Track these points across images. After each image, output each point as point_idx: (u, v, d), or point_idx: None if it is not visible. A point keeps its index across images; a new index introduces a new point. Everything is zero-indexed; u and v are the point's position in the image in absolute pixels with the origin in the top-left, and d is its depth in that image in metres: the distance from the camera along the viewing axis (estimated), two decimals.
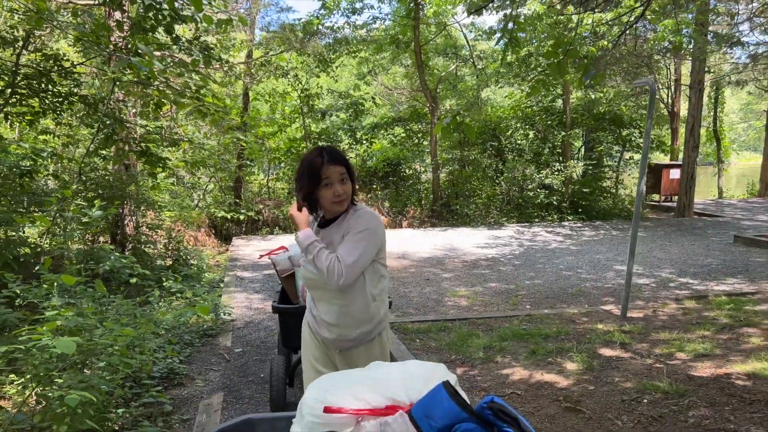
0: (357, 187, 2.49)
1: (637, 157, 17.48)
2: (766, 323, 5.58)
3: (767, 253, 9.42)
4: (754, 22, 15.45)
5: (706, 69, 15.02)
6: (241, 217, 13.16)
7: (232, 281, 8.21)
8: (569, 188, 15.05)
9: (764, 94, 20.46)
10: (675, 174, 16.06)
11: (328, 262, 2.28)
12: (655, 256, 9.40)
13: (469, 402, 1.47)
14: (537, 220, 14.13)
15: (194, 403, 4.06)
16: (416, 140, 16.57)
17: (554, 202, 14.64)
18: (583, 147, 17.58)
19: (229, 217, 13.04)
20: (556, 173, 15.05)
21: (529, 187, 14.96)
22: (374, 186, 15.54)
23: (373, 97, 17.59)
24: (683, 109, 18.74)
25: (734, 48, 14.62)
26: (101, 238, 8.81)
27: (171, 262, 9.22)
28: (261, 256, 4.35)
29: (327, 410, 1.50)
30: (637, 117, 16.52)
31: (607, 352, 4.89)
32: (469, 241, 11.27)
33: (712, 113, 22.63)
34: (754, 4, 14.51)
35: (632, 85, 8.48)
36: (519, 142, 16.18)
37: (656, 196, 16.89)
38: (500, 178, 15.54)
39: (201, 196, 14.38)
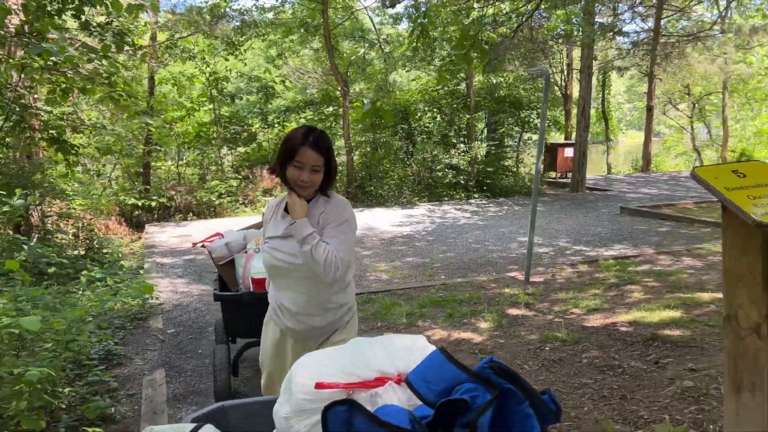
0: (328, 179, 2.37)
1: (536, 137, 18.67)
2: (646, 281, 6.43)
3: (648, 222, 10.58)
4: (635, 12, 16.89)
5: (594, 55, 16.29)
6: (153, 203, 12.94)
7: (153, 267, 8.21)
8: (475, 168, 15.91)
9: (645, 77, 22.33)
10: (569, 152, 17.30)
11: (326, 254, 2.25)
12: (553, 227, 10.29)
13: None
14: (446, 198, 14.86)
15: (137, 379, 4.23)
16: (329, 123, 16.82)
17: (461, 182, 15.45)
18: (486, 129, 18.56)
19: (140, 204, 12.77)
20: (462, 154, 15.86)
21: (438, 167, 15.67)
22: None
23: (283, 81, 17.63)
24: (575, 91, 20.15)
25: (617, 36, 15.94)
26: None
27: (84, 252, 9.04)
28: (195, 244, 4.35)
29: (318, 386, 1.52)
30: (535, 99, 17.64)
31: (514, 311, 5.50)
32: (385, 220, 11.76)
33: (600, 95, 24.44)
34: None
35: (529, 71, 9.22)
36: (427, 125, 16.84)
37: (553, 174, 18.16)
38: (411, 159, 16.16)
39: (108, 184, 13.93)
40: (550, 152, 17.80)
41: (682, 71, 21.49)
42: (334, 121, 16.72)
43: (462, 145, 16.09)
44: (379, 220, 11.70)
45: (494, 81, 16.96)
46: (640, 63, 19.89)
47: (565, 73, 21.17)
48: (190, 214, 13.33)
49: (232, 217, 13.14)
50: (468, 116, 16.29)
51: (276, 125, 16.64)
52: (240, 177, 14.65)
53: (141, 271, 8.06)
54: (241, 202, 14.04)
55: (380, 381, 1.54)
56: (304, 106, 17.04)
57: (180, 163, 15.72)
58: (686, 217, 10.67)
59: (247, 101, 16.77)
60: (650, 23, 18.51)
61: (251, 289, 3.60)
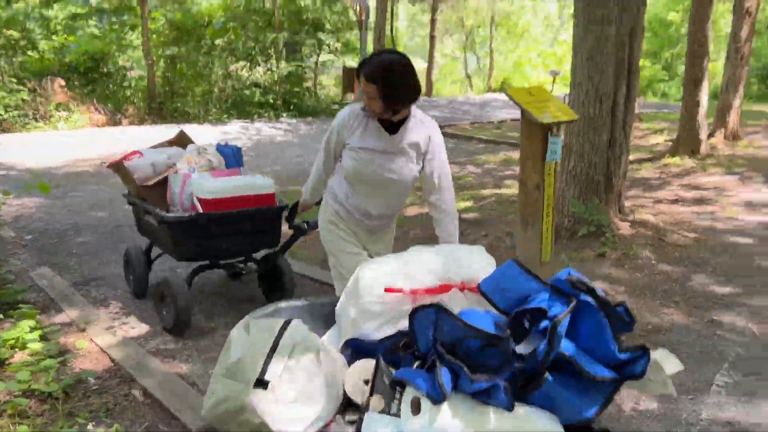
0: (389, 101, 2.60)
1: (332, 57, 19.74)
2: None
3: None
4: None
5: None
6: None
7: None
8: (281, 87, 16.50)
9: (429, 8, 24.48)
10: None
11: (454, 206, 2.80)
12: None
13: None
14: (256, 116, 15.31)
15: (24, 275, 4.51)
16: (124, 34, 15.86)
17: (270, 101, 15.96)
18: (284, 49, 19.00)
19: None
20: (268, 72, 16.28)
21: (246, 84, 15.93)
22: (76, 83, 14.59)
23: None
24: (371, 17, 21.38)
25: None
26: None
27: None
28: (108, 164, 3.95)
29: (388, 290, 1.60)
30: (333, 24, 18.47)
31: None
32: (203, 136, 11.96)
33: (389, 23, 26.18)
34: None
35: (353, 3, 9.98)
36: (231, 38, 16.75)
37: (351, 96, 19.46)
38: (211, 74, 16.04)
39: None
40: (347, 76, 19.01)
41: (459, 2, 24.05)
42: (131, 31, 15.79)
43: (266, 64, 16.47)
44: (198, 136, 11.83)
45: (302, 4, 17.30)
46: None
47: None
48: None
49: (23, 133, 12.18)
50: (273, 35, 16.63)
51: (60, 33, 15.22)
52: (26, 89, 13.36)
53: None
54: (31, 117, 12.94)
55: (444, 288, 1.65)
56: (95, 13, 15.75)
57: None
58: (465, 135, 12.79)
59: (27, 4, 14.97)
60: None
61: (200, 210, 3.47)
